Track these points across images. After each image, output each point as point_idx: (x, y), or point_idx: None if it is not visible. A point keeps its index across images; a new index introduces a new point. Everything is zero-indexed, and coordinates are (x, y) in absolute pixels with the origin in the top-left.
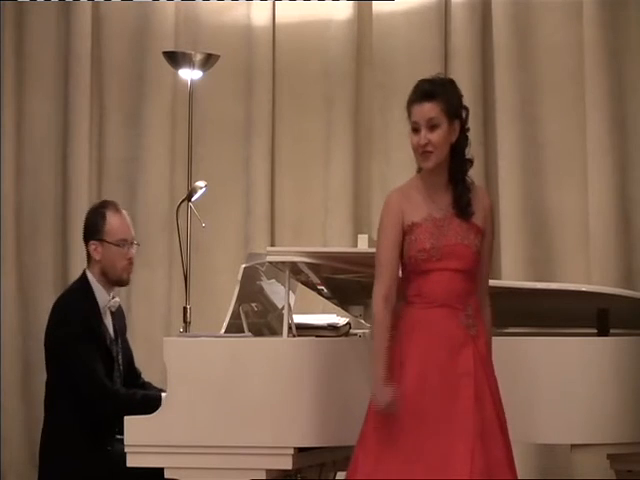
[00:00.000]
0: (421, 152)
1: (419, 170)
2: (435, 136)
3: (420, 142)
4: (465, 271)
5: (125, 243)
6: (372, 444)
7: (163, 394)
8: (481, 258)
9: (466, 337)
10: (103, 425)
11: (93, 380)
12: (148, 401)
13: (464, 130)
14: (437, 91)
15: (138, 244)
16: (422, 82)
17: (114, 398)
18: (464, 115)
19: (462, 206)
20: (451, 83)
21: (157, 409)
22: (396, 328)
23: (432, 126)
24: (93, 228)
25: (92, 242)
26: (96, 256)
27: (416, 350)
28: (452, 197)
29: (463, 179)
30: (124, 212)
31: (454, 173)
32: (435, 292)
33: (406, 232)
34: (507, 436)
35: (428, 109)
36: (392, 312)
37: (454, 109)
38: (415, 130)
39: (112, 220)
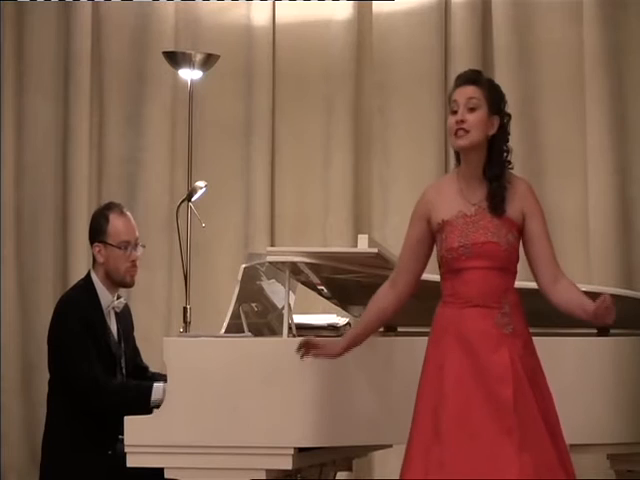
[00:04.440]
0: (455, 131)
1: (458, 163)
2: (472, 117)
3: (457, 118)
4: (500, 268)
5: (128, 245)
6: (418, 450)
7: (157, 384)
8: (535, 239)
9: (501, 336)
10: (104, 424)
11: (85, 375)
12: (141, 390)
13: (504, 130)
14: (481, 79)
15: (144, 246)
16: (467, 70)
17: (106, 389)
18: (505, 120)
19: (495, 203)
20: (497, 85)
21: (150, 396)
22: (432, 329)
23: (471, 108)
24: (97, 230)
25: (96, 244)
26: (99, 258)
27: (451, 353)
28: (486, 192)
29: (499, 177)
30: (128, 214)
31: (490, 168)
32: (469, 292)
33: (437, 230)
34: (556, 436)
35: (470, 90)
36: (398, 302)
37: (496, 102)
38: (453, 112)
39: (115, 222)
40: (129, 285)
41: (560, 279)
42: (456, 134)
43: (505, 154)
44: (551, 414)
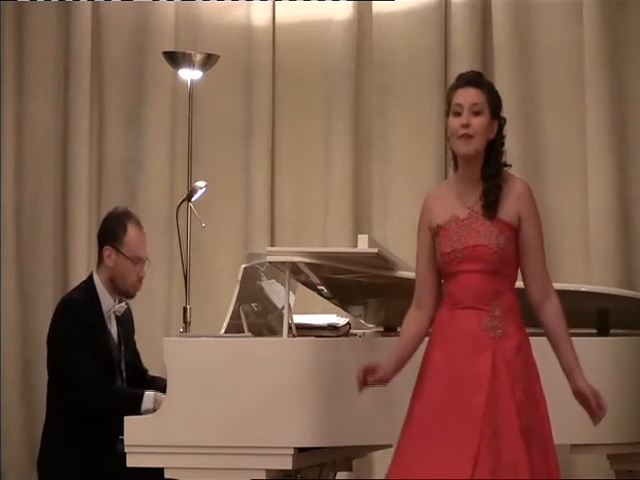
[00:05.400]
0: (460, 135)
1: (455, 167)
2: (478, 121)
3: (462, 122)
4: (491, 272)
5: (139, 261)
6: (404, 444)
7: (147, 392)
8: (527, 247)
9: (487, 339)
10: (103, 425)
11: (79, 378)
12: (132, 398)
13: (501, 133)
14: (484, 82)
15: (149, 260)
16: (469, 72)
17: (96, 394)
18: (502, 123)
19: (488, 203)
20: (495, 88)
21: (141, 405)
22: (431, 328)
23: (475, 112)
24: (111, 234)
25: (107, 247)
26: (108, 262)
27: (438, 351)
28: (481, 192)
29: (494, 176)
30: (144, 229)
31: (487, 170)
32: (460, 294)
33: (434, 235)
34: (535, 442)
35: (474, 94)
36: (430, 322)
37: (496, 106)
38: (457, 114)
39: (132, 234)
40: (130, 297)
41: (549, 296)
42: (460, 139)
43: (501, 158)
44: (537, 422)
